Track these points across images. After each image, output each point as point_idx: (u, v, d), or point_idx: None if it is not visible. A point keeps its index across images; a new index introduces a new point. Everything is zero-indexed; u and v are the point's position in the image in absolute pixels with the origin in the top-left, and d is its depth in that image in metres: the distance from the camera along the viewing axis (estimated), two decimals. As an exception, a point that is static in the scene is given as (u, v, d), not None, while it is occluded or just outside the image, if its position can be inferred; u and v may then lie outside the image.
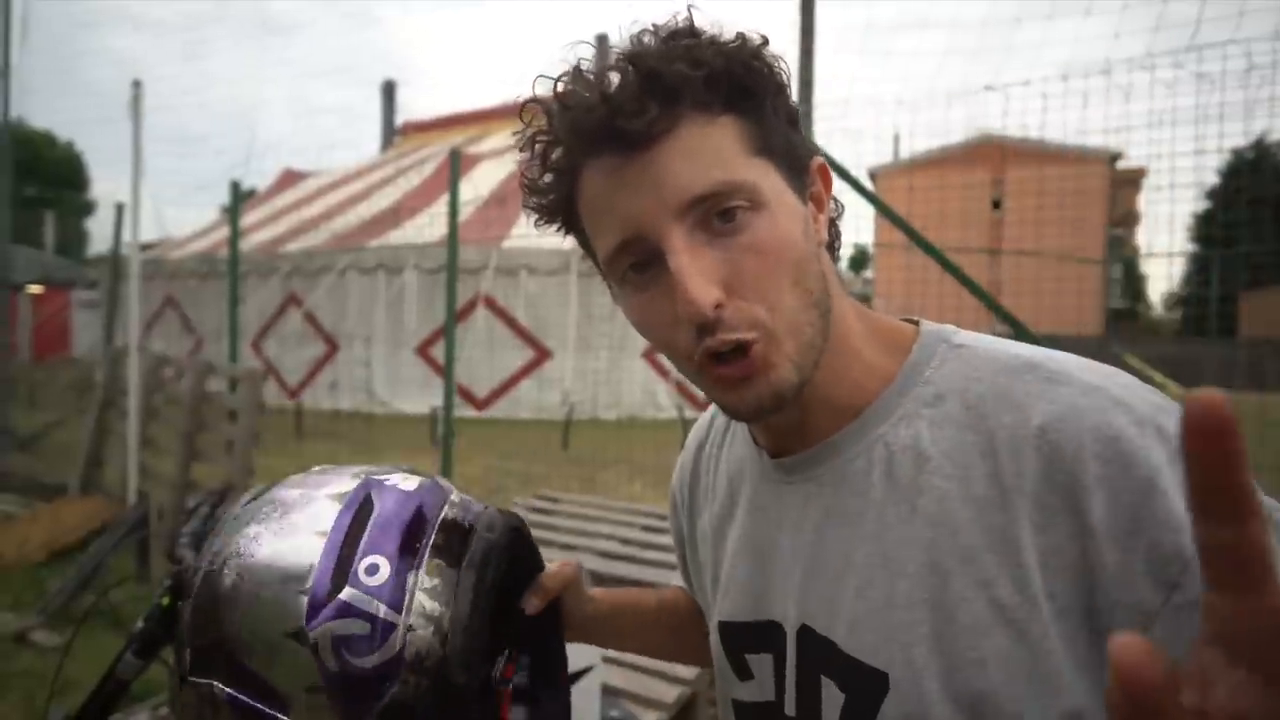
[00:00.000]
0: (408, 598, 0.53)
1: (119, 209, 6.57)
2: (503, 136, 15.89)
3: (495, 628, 0.57)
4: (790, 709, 0.59)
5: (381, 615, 0.52)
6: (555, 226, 0.58)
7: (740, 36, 0.53)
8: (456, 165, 4.27)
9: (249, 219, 12.91)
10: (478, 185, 10.81)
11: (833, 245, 0.60)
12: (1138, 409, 0.47)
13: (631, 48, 0.52)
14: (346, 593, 0.52)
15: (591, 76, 0.52)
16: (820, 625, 0.56)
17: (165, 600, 1.45)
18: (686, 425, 7.35)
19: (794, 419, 0.57)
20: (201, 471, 4.39)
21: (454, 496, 0.62)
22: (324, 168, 16.95)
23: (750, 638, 0.63)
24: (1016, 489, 0.48)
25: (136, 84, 4.29)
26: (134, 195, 4.26)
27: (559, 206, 0.56)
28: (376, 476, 0.61)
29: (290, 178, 16.94)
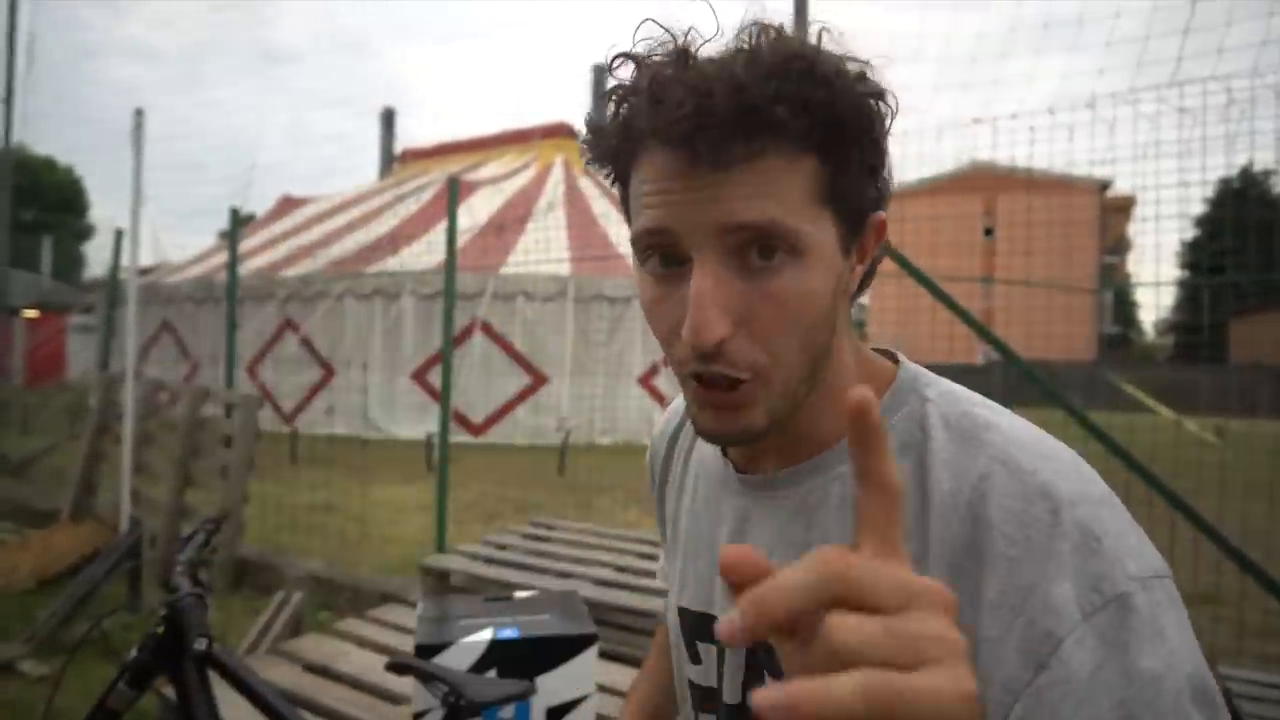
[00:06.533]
0: None
1: (118, 234, 6.60)
2: (501, 164, 16.04)
3: None
4: (729, 697, 0.64)
5: None
6: (605, 172, 0.58)
7: (861, 73, 0.50)
8: (455, 192, 4.31)
9: (246, 244, 12.96)
10: (475, 212, 10.90)
11: (861, 287, 0.59)
12: (1059, 496, 0.48)
13: (742, 58, 0.49)
14: None
15: (692, 73, 0.49)
16: None
17: (160, 629, 1.45)
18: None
19: (766, 443, 0.59)
20: (196, 497, 4.36)
21: None
22: (322, 194, 17.06)
23: (701, 627, 0.68)
24: (938, 552, 0.49)
25: (139, 113, 4.34)
26: (133, 221, 4.29)
27: (614, 159, 0.56)
28: None
29: (288, 204, 17.04)
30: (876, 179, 0.54)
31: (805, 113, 0.48)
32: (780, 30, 0.50)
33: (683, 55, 0.50)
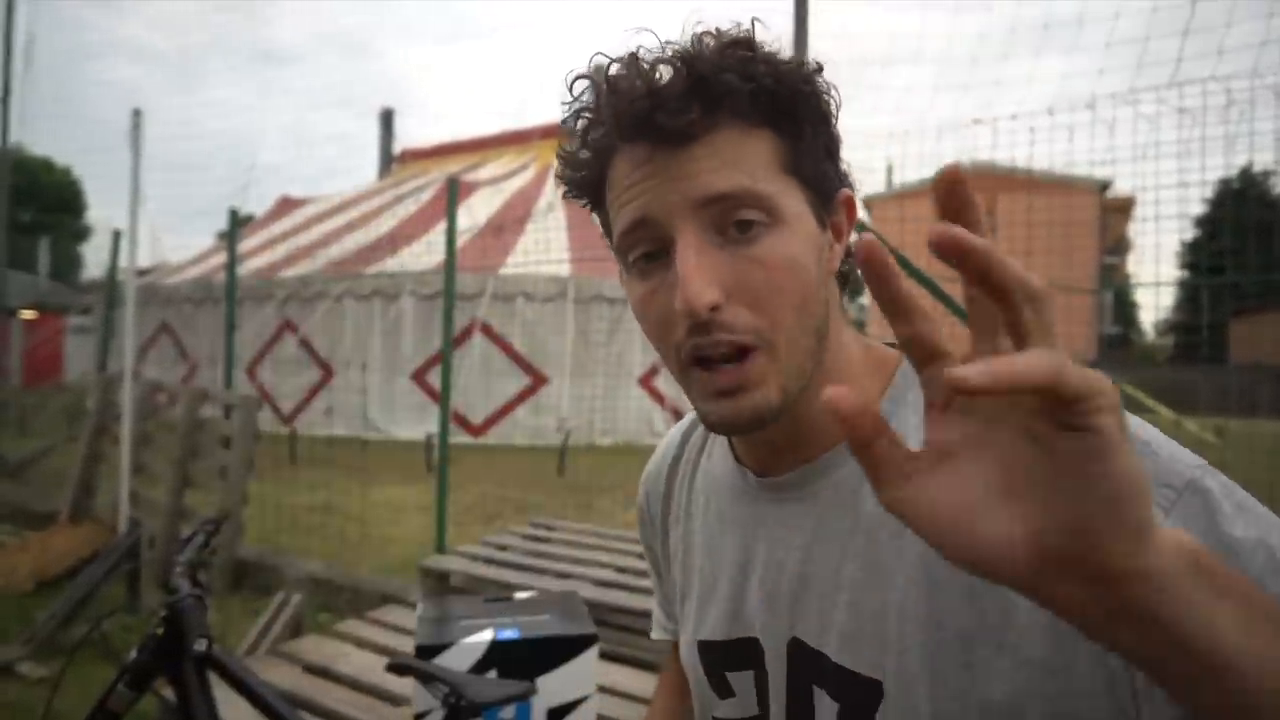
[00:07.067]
0: None
1: (116, 235, 6.60)
2: (500, 165, 16.04)
3: None
4: None
5: None
6: (583, 202, 0.59)
7: (799, 61, 0.54)
8: (454, 192, 4.30)
9: (245, 245, 12.94)
10: (475, 213, 10.88)
11: (847, 276, 0.61)
12: None
13: (688, 47, 0.52)
14: None
15: (644, 66, 0.52)
16: (811, 638, 0.57)
17: (159, 630, 1.44)
18: (682, 452, 7.33)
19: (782, 439, 0.58)
20: (195, 499, 4.36)
21: None
22: (321, 194, 17.05)
23: (730, 656, 0.64)
24: None
25: (137, 113, 4.33)
26: (131, 222, 4.28)
27: (590, 183, 0.58)
28: None
29: (287, 204, 17.02)
30: (834, 161, 0.57)
31: (752, 80, 0.51)
32: (719, 30, 0.53)
33: (632, 56, 0.53)
